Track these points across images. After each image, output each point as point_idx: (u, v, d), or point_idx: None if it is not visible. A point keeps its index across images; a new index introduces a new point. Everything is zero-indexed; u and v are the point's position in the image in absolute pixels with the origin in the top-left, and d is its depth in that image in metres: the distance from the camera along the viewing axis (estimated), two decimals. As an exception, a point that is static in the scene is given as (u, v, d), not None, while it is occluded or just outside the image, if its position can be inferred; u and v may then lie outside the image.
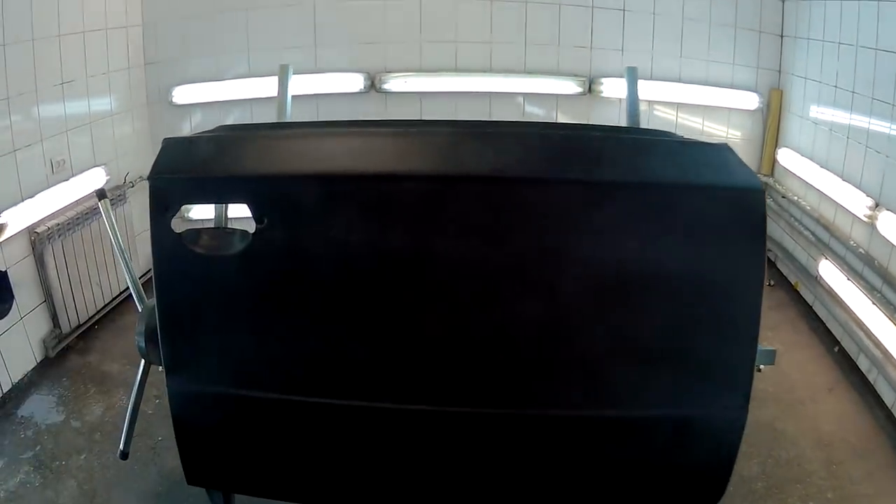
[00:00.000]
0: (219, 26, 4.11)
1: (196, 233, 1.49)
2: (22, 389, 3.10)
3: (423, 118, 4.04)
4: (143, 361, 1.74)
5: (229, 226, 1.93)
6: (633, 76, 2.02)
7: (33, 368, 3.20)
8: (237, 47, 4.14)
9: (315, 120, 3.55)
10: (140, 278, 1.88)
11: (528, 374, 1.33)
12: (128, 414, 1.78)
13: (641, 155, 1.31)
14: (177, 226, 1.44)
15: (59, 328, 3.34)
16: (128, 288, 2.23)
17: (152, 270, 1.49)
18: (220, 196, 1.69)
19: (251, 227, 1.42)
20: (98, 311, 3.64)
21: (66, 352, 3.41)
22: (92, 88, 3.58)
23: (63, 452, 2.74)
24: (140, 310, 1.75)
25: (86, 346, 3.50)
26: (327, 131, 1.82)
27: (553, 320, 1.28)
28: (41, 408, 3.02)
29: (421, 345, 1.38)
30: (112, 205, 3.61)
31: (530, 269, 1.27)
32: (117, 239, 1.86)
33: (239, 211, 1.69)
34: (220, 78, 4.19)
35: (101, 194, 1.91)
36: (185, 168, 1.44)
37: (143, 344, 1.67)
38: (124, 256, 1.86)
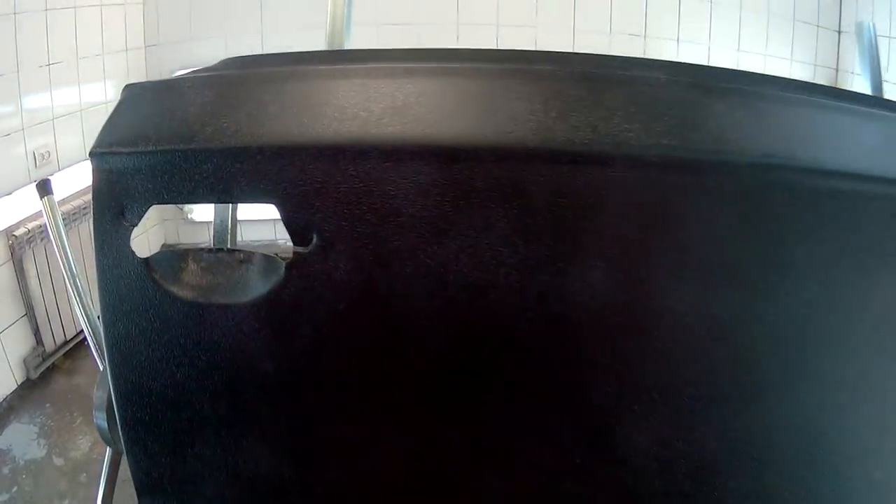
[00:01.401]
0: (228, 5, 3.79)
1: (177, 259, 0.77)
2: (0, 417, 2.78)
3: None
4: (108, 449, 1.11)
5: (241, 247, 1.05)
6: (869, 35, 1.30)
7: (13, 392, 2.87)
8: (248, 28, 3.83)
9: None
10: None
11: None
12: None
13: None
14: (160, 235, 0.79)
15: (43, 345, 3.02)
16: None
17: (101, 321, 0.80)
18: (224, 189, 0.76)
19: (285, 251, 0.70)
20: (88, 325, 3.30)
21: (51, 372, 3.08)
22: (84, 72, 3.24)
23: (43, 496, 2.41)
24: (101, 369, 1.06)
25: (73, 366, 3.15)
26: (441, 66, 0.78)
27: (824, 420, 0.72)
28: (21, 439, 2.68)
29: (607, 462, 0.71)
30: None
31: (794, 329, 0.67)
32: (66, 254, 1.10)
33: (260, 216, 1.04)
34: (228, 62, 3.88)
35: (43, 188, 1.16)
36: (156, 135, 0.71)
37: (104, 424, 0.98)
38: (75, 281, 1.14)
